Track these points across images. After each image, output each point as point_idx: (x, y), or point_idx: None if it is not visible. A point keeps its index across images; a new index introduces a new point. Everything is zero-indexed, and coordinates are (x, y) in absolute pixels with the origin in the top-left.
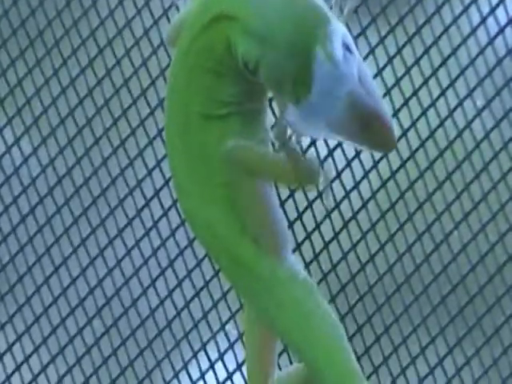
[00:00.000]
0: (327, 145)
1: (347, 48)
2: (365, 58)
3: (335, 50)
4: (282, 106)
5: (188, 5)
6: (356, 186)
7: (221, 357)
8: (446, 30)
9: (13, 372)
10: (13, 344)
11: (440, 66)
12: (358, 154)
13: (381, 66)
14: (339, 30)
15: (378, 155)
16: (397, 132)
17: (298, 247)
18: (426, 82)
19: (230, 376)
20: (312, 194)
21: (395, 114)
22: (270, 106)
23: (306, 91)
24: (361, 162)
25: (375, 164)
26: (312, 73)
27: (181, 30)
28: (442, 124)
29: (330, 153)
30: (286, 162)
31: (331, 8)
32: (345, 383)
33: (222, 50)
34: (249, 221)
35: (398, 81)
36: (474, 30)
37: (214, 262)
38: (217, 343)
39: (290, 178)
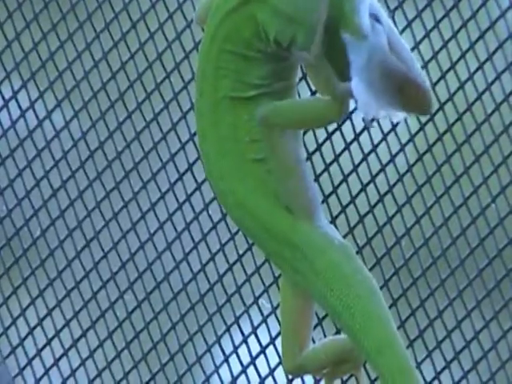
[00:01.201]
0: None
1: (375, 18)
2: (402, 32)
3: (363, 22)
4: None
5: None
6: (392, 159)
7: (254, 331)
8: (485, 3)
9: (44, 346)
10: (44, 318)
11: (478, 39)
12: (394, 127)
13: (418, 39)
14: (366, 1)
15: (413, 128)
16: (433, 97)
17: (333, 221)
18: (463, 55)
19: (263, 350)
20: (347, 168)
21: (432, 87)
22: (305, 80)
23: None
24: (397, 135)
25: (412, 137)
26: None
27: (210, 10)
28: (479, 97)
29: (366, 126)
30: (319, 100)
31: None
32: (383, 349)
33: (250, 33)
34: (282, 191)
35: (435, 54)
36: None
37: (247, 237)
38: (250, 317)
39: (329, 113)
